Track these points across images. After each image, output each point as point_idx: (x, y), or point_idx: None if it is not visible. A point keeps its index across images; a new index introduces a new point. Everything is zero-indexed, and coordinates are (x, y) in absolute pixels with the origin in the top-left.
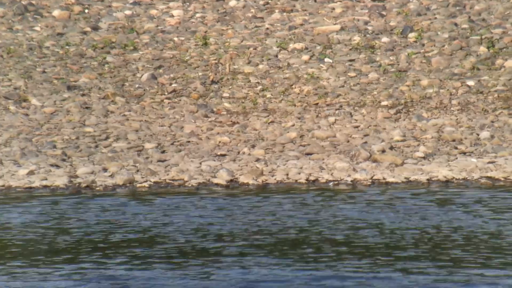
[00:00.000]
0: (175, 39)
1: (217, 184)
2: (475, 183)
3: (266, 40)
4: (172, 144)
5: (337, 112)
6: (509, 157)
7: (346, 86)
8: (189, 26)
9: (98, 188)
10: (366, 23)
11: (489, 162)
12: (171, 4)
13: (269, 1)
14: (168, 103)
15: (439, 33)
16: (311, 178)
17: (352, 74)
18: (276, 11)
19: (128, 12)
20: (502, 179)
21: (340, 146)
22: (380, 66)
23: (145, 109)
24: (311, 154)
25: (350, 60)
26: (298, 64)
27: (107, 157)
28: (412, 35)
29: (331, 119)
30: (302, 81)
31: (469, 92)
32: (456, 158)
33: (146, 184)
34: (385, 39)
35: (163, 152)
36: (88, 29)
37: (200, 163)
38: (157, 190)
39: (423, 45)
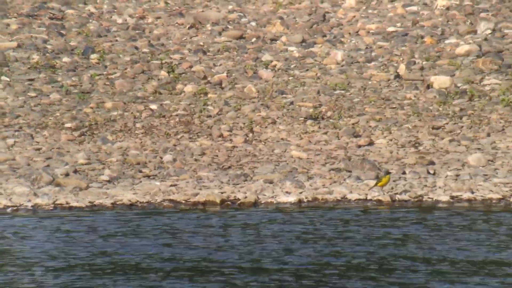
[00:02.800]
0: None
1: None
2: (158, 206)
3: None
4: None
5: (16, 133)
6: (190, 180)
7: (26, 107)
8: None
9: None
10: (45, 41)
11: (171, 185)
12: None
13: None
14: None
15: (121, 55)
16: None
17: (32, 94)
18: None
19: None
20: (183, 201)
21: (20, 169)
22: (62, 86)
23: None
24: None
25: (30, 80)
26: None
27: None
28: (94, 56)
29: (10, 141)
30: None
31: (153, 116)
32: (141, 182)
33: None
34: (66, 59)
35: None
36: None
37: None
38: None
39: (106, 67)
